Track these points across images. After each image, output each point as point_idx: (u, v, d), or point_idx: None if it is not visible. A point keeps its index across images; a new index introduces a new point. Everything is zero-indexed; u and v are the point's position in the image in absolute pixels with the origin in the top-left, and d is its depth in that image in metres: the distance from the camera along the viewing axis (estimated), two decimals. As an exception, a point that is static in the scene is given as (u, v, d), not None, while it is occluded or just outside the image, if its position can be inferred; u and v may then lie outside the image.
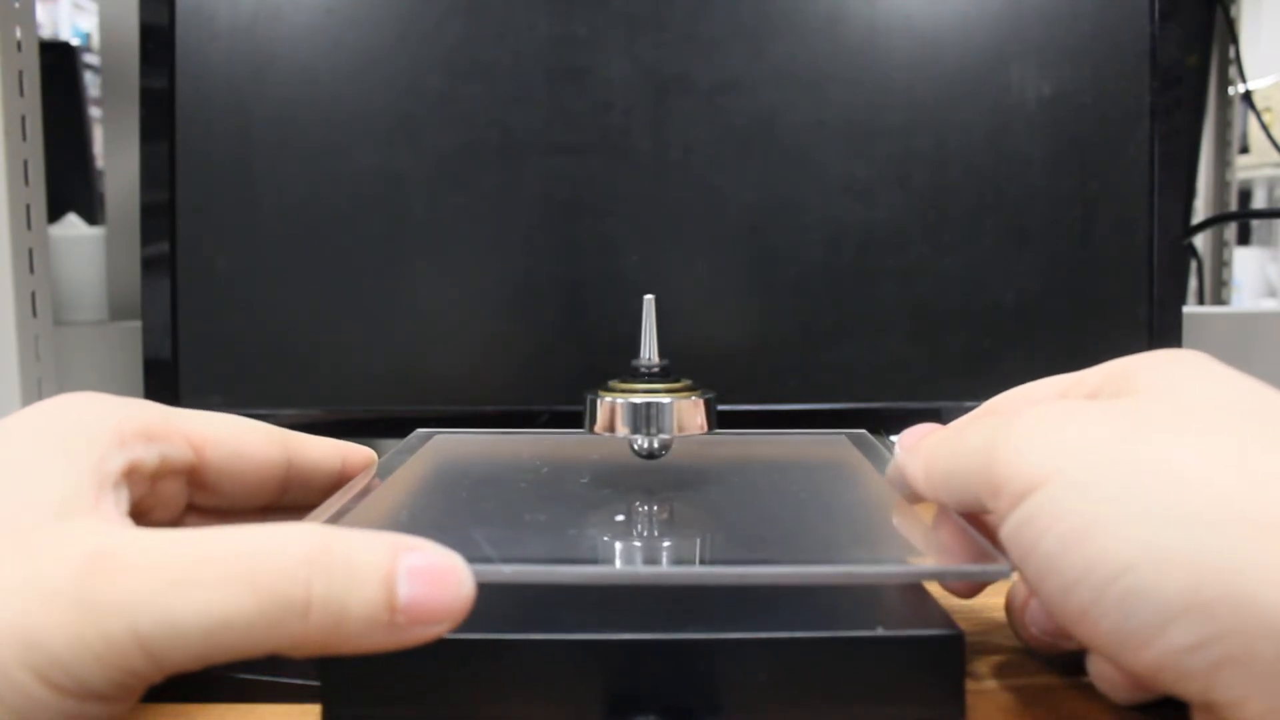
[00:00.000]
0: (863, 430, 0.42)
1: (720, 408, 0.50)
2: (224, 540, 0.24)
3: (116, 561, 0.23)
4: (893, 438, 0.61)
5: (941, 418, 0.56)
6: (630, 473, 0.35)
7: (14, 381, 0.60)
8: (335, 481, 0.35)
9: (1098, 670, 0.28)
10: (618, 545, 0.27)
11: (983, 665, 0.32)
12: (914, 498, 0.33)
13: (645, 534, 0.28)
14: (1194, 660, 0.22)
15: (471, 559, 0.24)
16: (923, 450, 0.31)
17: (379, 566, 0.23)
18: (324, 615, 0.23)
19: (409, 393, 0.56)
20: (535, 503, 0.32)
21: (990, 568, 0.26)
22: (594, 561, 0.26)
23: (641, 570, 0.26)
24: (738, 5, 0.56)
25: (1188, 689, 0.22)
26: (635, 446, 0.44)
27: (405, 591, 0.23)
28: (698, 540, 0.28)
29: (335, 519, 0.30)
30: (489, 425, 0.57)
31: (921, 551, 0.27)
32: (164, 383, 0.57)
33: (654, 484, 0.34)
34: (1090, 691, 0.29)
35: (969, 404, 0.57)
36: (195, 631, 0.22)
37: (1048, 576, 0.24)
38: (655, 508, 0.31)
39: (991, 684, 0.31)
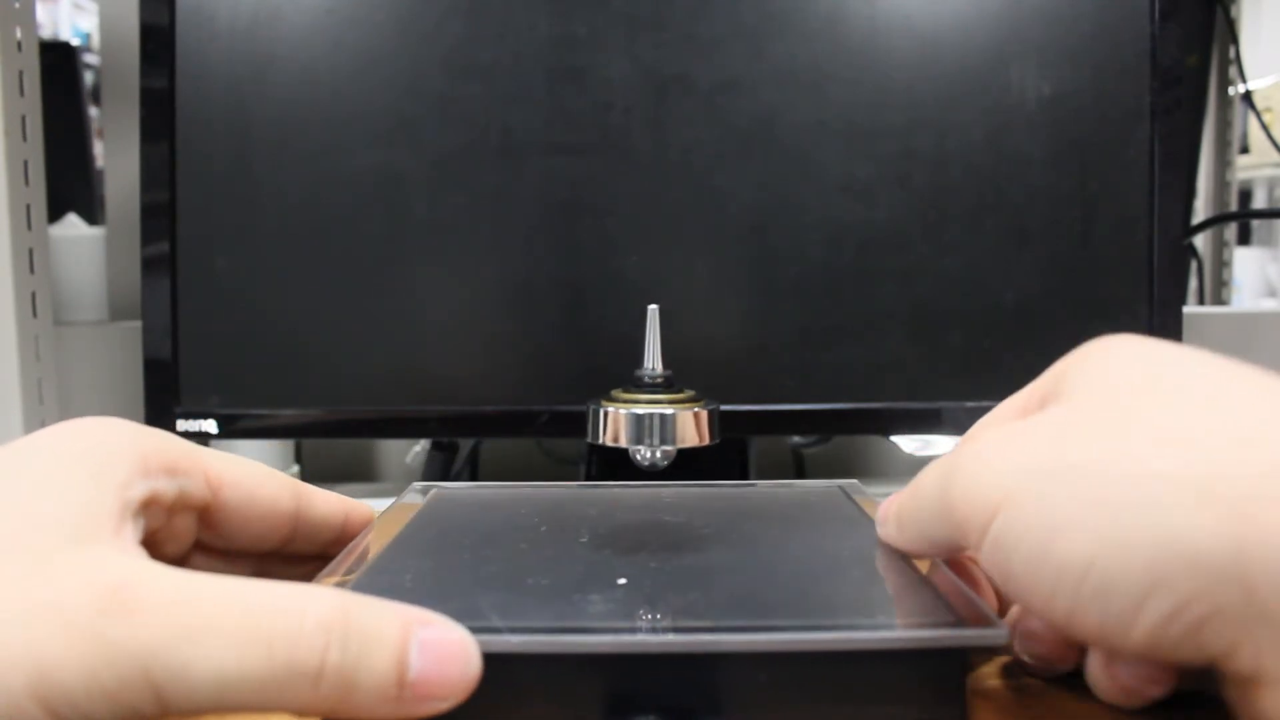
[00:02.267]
0: (854, 480, 0.42)
1: (721, 408, 0.50)
2: (246, 595, 0.23)
3: (137, 600, 0.23)
4: (894, 438, 0.61)
5: (941, 418, 0.56)
6: (627, 530, 0.35)
7: (14, 381, 0.60)
8: (338, 536, 0.35)
9: (1091, 674, 0.28)
10: (621, 611, 0.28)
11: (983, 665, 0.32)
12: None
13: (648, 597, 0.29)
14: (1176, 629, 0.23)
15: (478, 628, 0.24)
16: (892, 511, 0.32)
17: (393, 640, 0.23)
18: (335, 684, 0.23)
19: (409, 393, 0.56)
20: (537, 564, 0.32)
21: (989, 632, 0.26)
22: (600, 630, 0.26)
23: (650, 639, 0.26)
24: (738, 5, 0.56)
25: (1187, 657, 0.23)
26: (638, 458, 0.44)
27: (417, 667, 0.23)
28: (699, 603, 0.29)
29: (346, 581, 0.29)
30: (489, 425, 0.57)
31: (922, 617, 0.27)
32: (164, 383, 0.57)
33: (652, 542, 0.34)
34: (1089, 692, 0.29)
35: (969, 404, 0.58)
36: (207, 684, 0.22)
37: (1030, 593, 0.25)
38: (655, 568, 0.31)
39: (992, 684, 0.31)
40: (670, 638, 0.26)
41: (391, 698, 0.23)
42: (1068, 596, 0.24)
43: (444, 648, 0.24)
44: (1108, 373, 0.28)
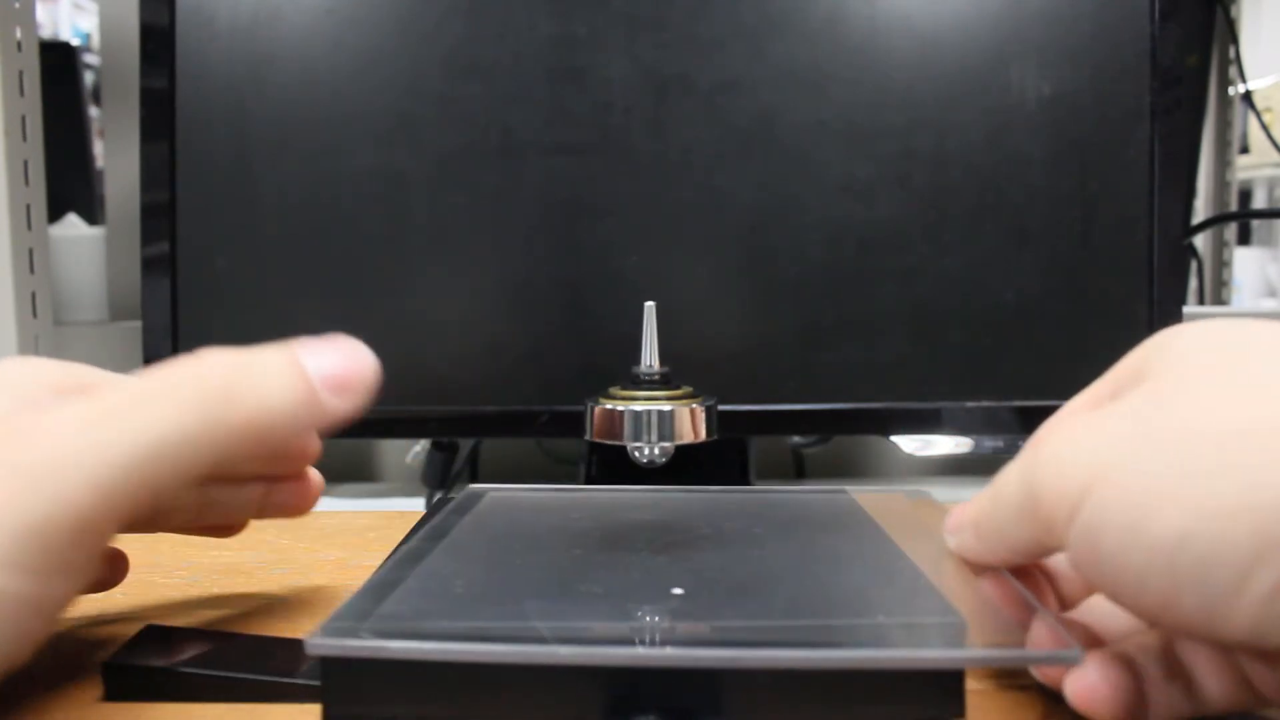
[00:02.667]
0: (924, 491, 0.41)
1: (720, 407, 0.50)
2: (138, 380, 0.27)
3: (35, 425, 0.25)
4: (894, 438, 0.61)
5: (941, 418, 0.56)
6: (683, 536, 0.35)
7: (14, 381, 0.60)
8: (270, 456, 0.36)
9: (1200, 677, 0.27)
10: (672, 624, 0.27)
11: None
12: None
13: (703, 608, 0.28)
14: None
15: (526, 638, 0.24)
16: (967, 516, 0.31)
17: (283, 355, 0.28)
18: (249, 403, 0.26)
19: (409, 393, 0.56)
20: (589, 571, 0.31)
21: (1062, 653, 0.25)
22: (650, 641, 0.26)
23: (699, 654, 0.25)
24: (738, 5, 0.56)
25: None
26: (636, 455, 0.44)
27: (314, 365, 0.28)
28: (751, 615, 0.28)
29: (386, 588, 0.29)
30: (489, 425, 0.57)
31: (993, 635, 0.26)
32: (164, 383, 0.57)
33: (707, 547, 0.33)
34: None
35: (969, 404, 0.58)
36: (138, 455, 0.24)
37: (1120, 579, 0.24)
38: (714, 578, 0.30)
39: (991, 684, 0.31)
40: (722, 653, 0.25)
41: (305, 399, 0.27)
42: (1163, 577, 0.22)
43: (335, 347, 0.28)
44: (1187, 349, 0.26)
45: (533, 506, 0.40)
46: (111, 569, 0.36)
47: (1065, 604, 0.32)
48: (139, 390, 0.26)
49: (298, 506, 0.38)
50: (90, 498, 0.24)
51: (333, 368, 0.29)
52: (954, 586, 0.30)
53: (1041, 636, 0.26)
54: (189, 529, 0.38)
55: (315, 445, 0.38)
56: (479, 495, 0.41)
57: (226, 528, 0.38)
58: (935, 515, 0.37)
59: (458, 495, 0.41)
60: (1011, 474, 0.28)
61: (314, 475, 0.39)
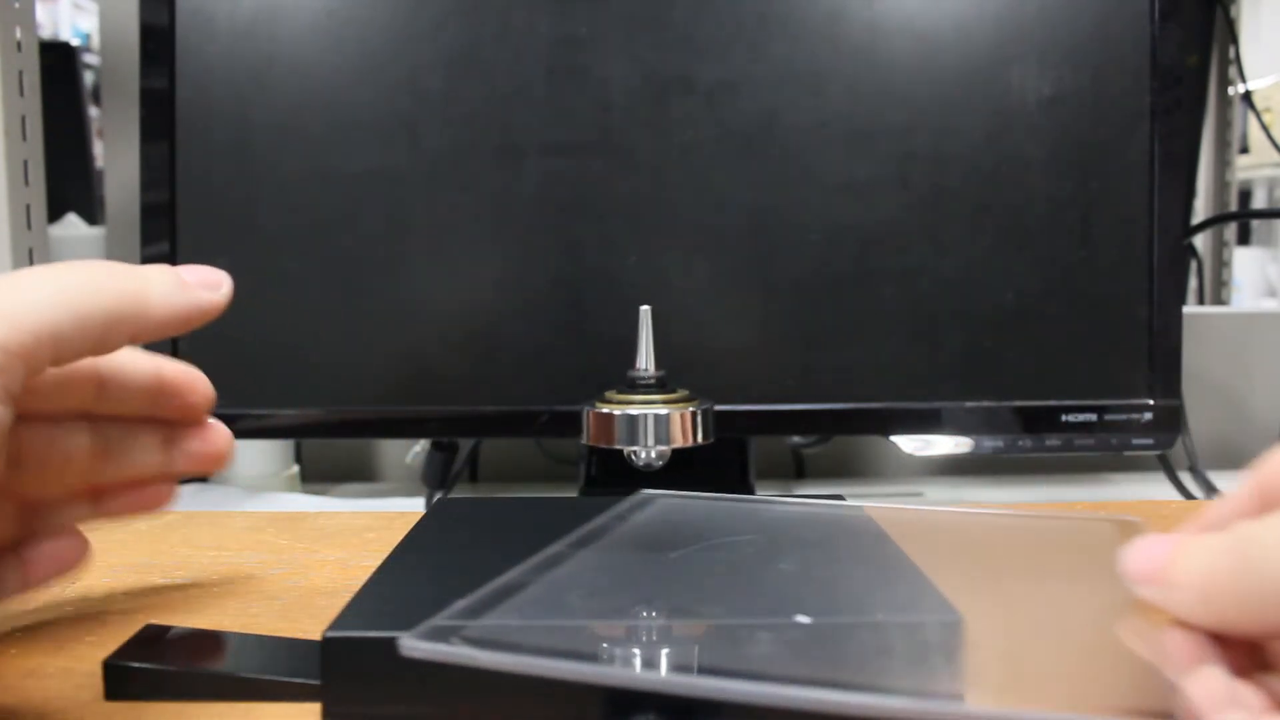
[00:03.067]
0: (1135, 519, 0.37)
1: (720, 408, 0.50)
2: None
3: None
4: (894, 438, 0.61)
5: (941, 418, 0.56)
6: (843, 555, 0.33)
7: (14, 381, 0.60)
8: (153, 396, 0.37)
9: None
10: (788, 661, 0.25)
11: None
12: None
13: (826, 646, 0.25)
14: None
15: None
16: (1191, 577, 0.27)
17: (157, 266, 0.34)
18: (132, 274, 0.32)
19: (409, 393, 0.56)
20: (724, 591, 0.30)
21: None
22: (751, 677, 0.23)
23: (813, 696, 0.22)
24: (738, 5, 0.56)
25: None
26: (633, 458, 0.44)
27: (185, 271, 0.34)
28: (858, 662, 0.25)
29: (506, 591, 0.29)
30: (489, 425, 0.57)
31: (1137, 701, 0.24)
32: (164, 383, 0.57)
33: (861, 566, 0.31)
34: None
35: (969, 404, 0.58)
36: (42, 298, 0.29)
37: None
38: (840, 608, 0.28)
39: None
40: (860, 698, 0.22)
41: (178, 286, 0.33)
42: None
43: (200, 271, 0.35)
44: None
45: (700, 512, 0.38)
46: (20, 524, 0.35)
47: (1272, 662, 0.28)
48: (39, 269, 0.31)
49: (209, 456, 0.38)
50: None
51: (194, 271, 0.35)
52: (1133, 633, 0.27)
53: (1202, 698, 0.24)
54: (98, 482, 0.36)
55: (205, 386, 0.38)
56: (651, 499, 0.39)
57: (141, 490, 0.37)
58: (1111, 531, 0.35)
59: (627, 499, 0.39)
60: (1270, 550, 0.24)
61: (218, 425, 0.39)
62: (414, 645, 0.25)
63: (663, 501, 0.39)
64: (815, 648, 0.26)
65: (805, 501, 0.41)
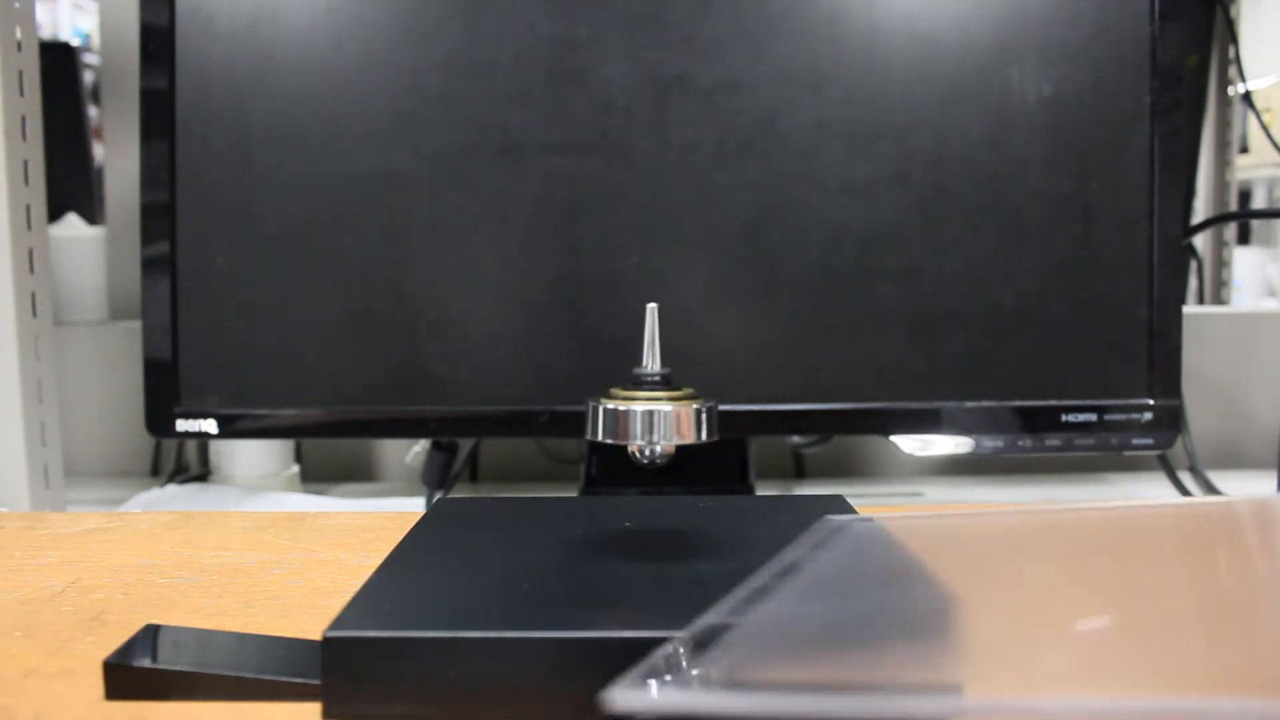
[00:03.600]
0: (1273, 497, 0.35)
1: (721, 408, 0.50)
2: None
3: None
4: (894, 438, 0.61)
5: (941, 418, 0.56)
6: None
7: (14, 381, 0.60)
8: None
9: None
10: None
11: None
12: None
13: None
14: None
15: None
16: None
17: None
18: None
19: (409, 393, 0.56)
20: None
21: None
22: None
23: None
24: (738, 5, 0.56)
25: None
26: (637, 455, 0.44)
27: None
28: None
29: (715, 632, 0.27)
30: (489, 425, 0.57)
31: None
32: (164, 383, 0.57)
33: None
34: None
35: (969, 404, 0.58)
36: None
37: None
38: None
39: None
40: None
41: None
42: None
43: None
44: None
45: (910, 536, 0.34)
46: None
47: None
48: None
49: None
50: None
51: None
52: None
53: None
54: None
55: None
56: (837, 525, 0.36)
57: None
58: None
59: (815, 530, 0.35)
60: None
61: None
62: (630, 696, 0.23)
63: (857, 525, 0.36)
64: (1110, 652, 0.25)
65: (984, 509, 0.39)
